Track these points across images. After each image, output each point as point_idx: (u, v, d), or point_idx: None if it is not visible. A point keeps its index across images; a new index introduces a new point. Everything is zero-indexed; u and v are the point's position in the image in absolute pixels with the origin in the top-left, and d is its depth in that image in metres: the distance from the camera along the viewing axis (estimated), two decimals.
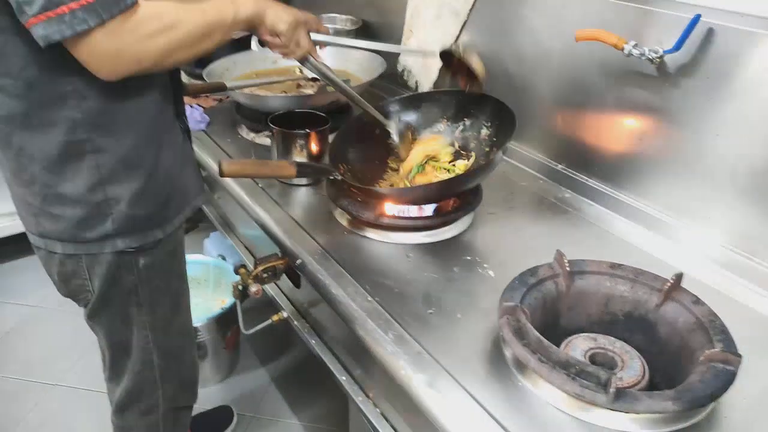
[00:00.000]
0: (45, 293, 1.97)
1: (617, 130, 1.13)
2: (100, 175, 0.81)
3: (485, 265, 0.98)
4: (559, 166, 1.24)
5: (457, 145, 1.18)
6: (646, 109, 1.06)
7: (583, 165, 1.20)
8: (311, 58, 0.98)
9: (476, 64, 1.06)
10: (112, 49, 0.70)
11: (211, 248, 1.75)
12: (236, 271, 1.04)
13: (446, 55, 1.11)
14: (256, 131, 1.39)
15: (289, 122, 1.20)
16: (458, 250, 1.02)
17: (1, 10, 0.70)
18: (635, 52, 0.97)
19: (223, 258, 1.66)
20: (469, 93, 1.18)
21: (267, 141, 1.33)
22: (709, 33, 0.93)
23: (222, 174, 0.92)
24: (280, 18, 0.89)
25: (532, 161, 1.28)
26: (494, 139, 1.14)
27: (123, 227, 0.84)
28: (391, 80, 1.55)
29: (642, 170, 1.10)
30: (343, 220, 1.08)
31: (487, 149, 1.14)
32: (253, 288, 0.99)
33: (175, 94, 0.92)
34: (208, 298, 1.64)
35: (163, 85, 0.87)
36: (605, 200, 1.14)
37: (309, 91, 1.43)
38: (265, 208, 1.13)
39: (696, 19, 0.91)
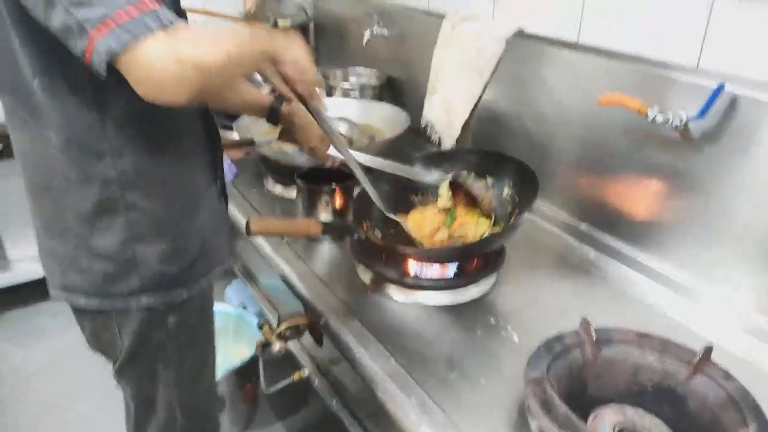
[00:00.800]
0: (68, 337, 1.99)
1: (640, 192, 1.13)
2: (132, 233, 0.83)
3: (508, 328, 0.97)
4: (582, 225, 1.24)
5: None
6: (670, 172, 1.06)
7: (607, 225, 1.19)
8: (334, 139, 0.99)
9: (479, 191, 1.12)
10: (171, 56, 0.64)
11: (232, 296, 1.77)
12: (260, 328, 1.04)
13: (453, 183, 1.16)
14: (283, 184, 1.42)
15: (315, 177, 1.23)
16: (481, 311, 1.01)
17: (44, 70, 0.73)
18: (659, 118, 0.98)
19: (244, 307, 1.67)
20: (491, 152, 1.20)
21: (293, 194, 1.36)
22: (733, 101, 0.94)
23: (249, 233, 0.94)
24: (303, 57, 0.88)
25: (554, 219, 1.28)
26: (516, 199, 1.14)
27: (149, 284, 0.86)
28: (415, 134, 1.58)
29: (666, 232, 1.09)
30: (366, 277, 1.09)
31: (510, 209, 1.15)
32: (276, 346, 1.00)
33: (215, 155, 0.94)
34: (228, 348, 1.64)
35: (203, 146, 0.90)
36: (629, 261, 1.13)
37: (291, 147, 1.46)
38: (289, 262, 1.15)
39: (720, 89, 0.92)
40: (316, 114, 0.93)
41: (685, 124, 0.97)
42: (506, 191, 1.17)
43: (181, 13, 0.86)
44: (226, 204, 1.00)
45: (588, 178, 1.23)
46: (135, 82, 0.66)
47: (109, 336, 0.90)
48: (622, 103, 1.01)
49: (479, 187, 1.17)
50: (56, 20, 0.64)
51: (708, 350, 0.81)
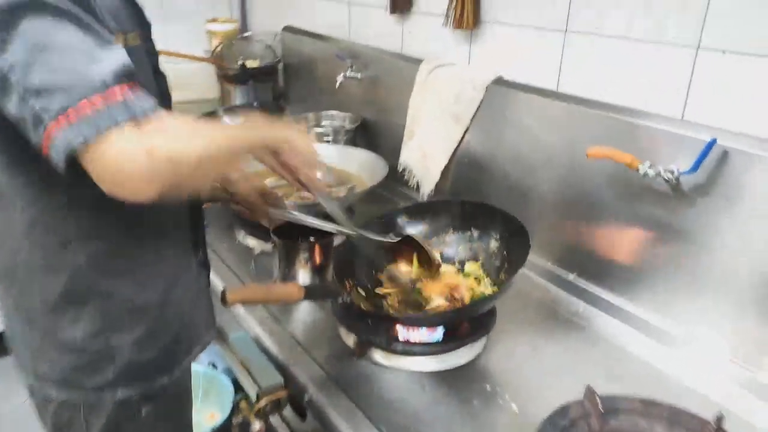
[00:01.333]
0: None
1: (630, 243, 1.10)
2: (104, 323, 0.74)
3: (506, 396, 0.91)
4: (571, 275, 1.20)
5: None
6: (660, 225, 1.04)
7: (597, 276, 1.16)
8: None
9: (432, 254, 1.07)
10: (141, 149, 0.57)
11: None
12: (237, 405, 0.96)
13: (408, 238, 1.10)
14: (256, 237, 1.34)
15: (291, 231, 1.16)
16: (475, 377, 0.95)
17: (3, 149, 0.66)
18: (650, 172, 0.96)
19: (214, 366, 1.56)
20: (476, 203, 1.16)
21: (267, 247, 1.28)
22: (723, 155, 0.92)
23: (225, 303, 0.87)
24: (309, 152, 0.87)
25: (540, 268, 1.24)
26: (505, 253, 1.10)
27: (125, 375, 0.77)
28: (391, 178, 1.53)
29: (657, 284, 1.06)
30: (349, 339, 1.02)
31: (498, 263, 1.10)
32: (257, 426, 0.91)
33: (194, 222, 0.87)
34: (197, 411, 1.52)
35: (184, 215, 0.83)
36: (620, 314, 1.10)
37: (311, 197, 1.39)
38: (264, 323, 1.07)
39: (712, 143, 0.90)
40: (318, 197, 0.95)
41: (677, 178, 0.94)
42: (493, 244, 1.13)
43: (157, 66, 0.80)
44: (208, 273, 0.92)
45: (573, 226, 1.20)
46: (98, 178, 0.58)
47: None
48: (612, 157, 0.98)
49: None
50: (11, 108, 0.57)
51: (719, 419, 0.77)
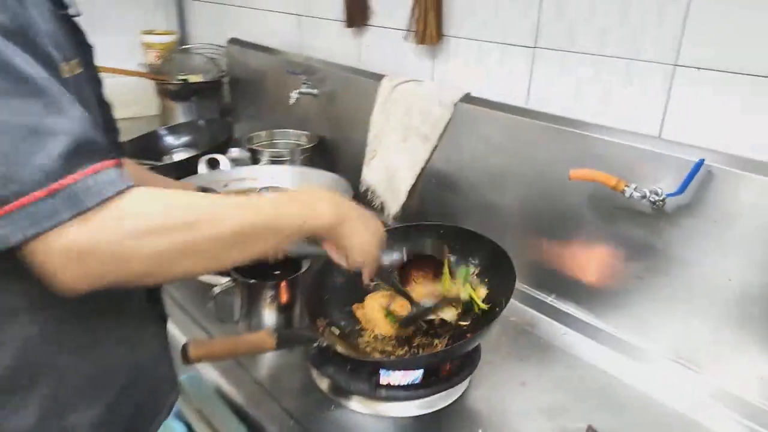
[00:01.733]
0: None
1: (608, 264, 1.07)
2: (56, 404, 0.62)
3: None
4: (549, 298, 1.16)
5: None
6: (641, 245, 1.01)
7: (576, 297, 1.12)
8: None
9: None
10: (87, 247, 0.49)
11: None
12: None
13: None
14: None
15: (253, 267, 1.05)
16: (465, 421, 0.88)
17: None
18: (636, 194, 0.93)
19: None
20: (453, 228, 1.10)
21: (227, 282, 1.17)
22: (708, 175, 0.90)
23: (188, 360, 0.76)
24: (363, 242, 0.75)
25: (518, 292, 1.18)
26: (485, 279, 1.04)
27: None
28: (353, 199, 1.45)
29: (637, 304, 1.04)
30: (323, 383, 0.93)
31: (481, 289, 1.03)
32: None
33: None
34: None
35: None
36: (603, 337, 1.06)
37: None
38: (224, 370, 0.96)
39: (700, 164, 0.87)
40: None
41: (663, 200, 0.91)
42: (471, 269, 1.07)
43: (101, 95, 0.68)
44: (165, 323, 0.80)
45: (549, 247, 1.16)
46: (38, 273, 0.50)
47: None
48: (595, 179, 0.94)
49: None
50: None
51: None
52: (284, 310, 1.04)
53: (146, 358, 0.70)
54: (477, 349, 0.96)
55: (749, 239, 0.88)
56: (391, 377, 0.89)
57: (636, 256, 1.02)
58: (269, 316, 1.04)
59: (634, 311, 1.04)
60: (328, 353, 0.89)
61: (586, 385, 0.97)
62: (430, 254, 0.98)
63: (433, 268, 1.00)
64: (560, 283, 1.14)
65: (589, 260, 1.11)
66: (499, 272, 1.00)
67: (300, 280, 1.05)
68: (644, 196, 0.92)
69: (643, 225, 1.00)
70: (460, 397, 0.93)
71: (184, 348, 0.75)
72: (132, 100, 2.05)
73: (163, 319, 0.78)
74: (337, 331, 0.99)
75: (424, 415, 0.89)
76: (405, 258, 0.96)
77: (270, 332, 0.84)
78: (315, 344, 0.88)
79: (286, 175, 1.44)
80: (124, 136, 0.82)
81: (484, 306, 0.98)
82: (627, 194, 0.93)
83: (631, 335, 1.04)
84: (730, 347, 0.93)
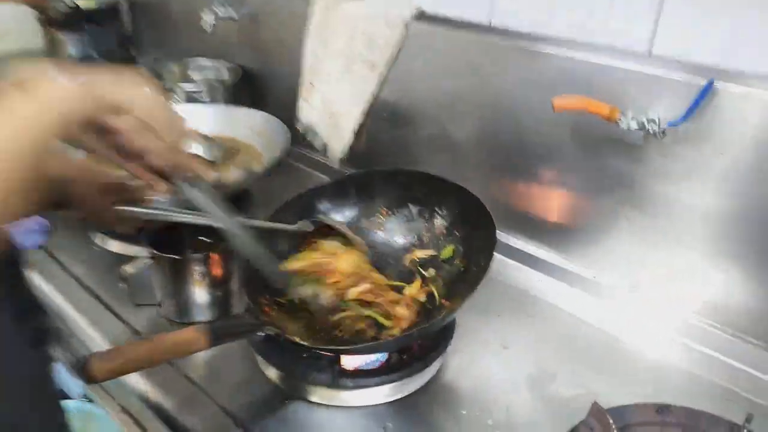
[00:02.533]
0: None
1: (589, 204, 0.94)
2: None
3: (489, 422, 0.73)
4: (519, 242, 1.03)
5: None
6: (628, 182, 0.88)
7: (550, 241, 1.00)
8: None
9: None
10: None
11: (68, 383, 1.30)
12: None
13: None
14: (122, 240, 1.01)
15: (172, 238, 0.86)
16: (446, 402, 0.76)
17: None
18: (633, 125, 0.78)
19: (89, 400, 1.23)
20: (412, 173, 0.93)
21: (141, 251, 0.96)
22: (711, 96, 0.77)
23: (91, 379, 0.57)
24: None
25: None
26: (456, 232, 0.89)
27: None
28: (295, 141, 1.24)
29: (625, 249, 0.92)
30: (273, 373, 0.77)
31: (449, 247, 0.89)
32: None
33: (13, 285, 0.55)
34: None
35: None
36: (585, 285, 0.95)
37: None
38: (148, 370, 0.78)
39: (708, 86, 0.74)
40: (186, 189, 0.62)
41: (663, 131, 0.78)
42: (439, 223, 0.91)
43: None
44: (46, 346, 0.59)
45: (518, 185, 1.02)
46: None
47: None
48: (586, 108, 0.79)
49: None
50: None
51: (749, 418, 0.65)
52: (218, 286, 0.86)
53: (18, 395, 0.50)
54: (452, 323, 0.82)
55: (752, 169, 0.77)
56: (355, 360, 0.75)
57: (619, 193, 0.90)
58: (200, 294, 0.85)
59: (616, 254, 0.93)
60: (276, 339, 0.72)
61: (571, 340, 0.86)
62: None
63: None
64: (533, 226, 1.01)
65: (564, 199, 0.98)
66: (472, 225, 0.85)
67: (233, 252, 0.86)
68: (642, 127, 0.78)
69: (630, 158, 0.87)
70: (437, 373, 0.80)
71: (85, 365, 0.57)
72: (10, 32, 1.69)
73: (41, 333, 0.58)
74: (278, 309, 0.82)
75: (396, 401, 0.75)
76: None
77: (200, 328, 0.66)
78: (261, 333, 0.72)
79: (204, 115, 1.21)
80: None
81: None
82: (623, 125, 0.79)
83: (613, 280, 0.93)
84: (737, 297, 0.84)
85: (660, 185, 0.86)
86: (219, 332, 0.67)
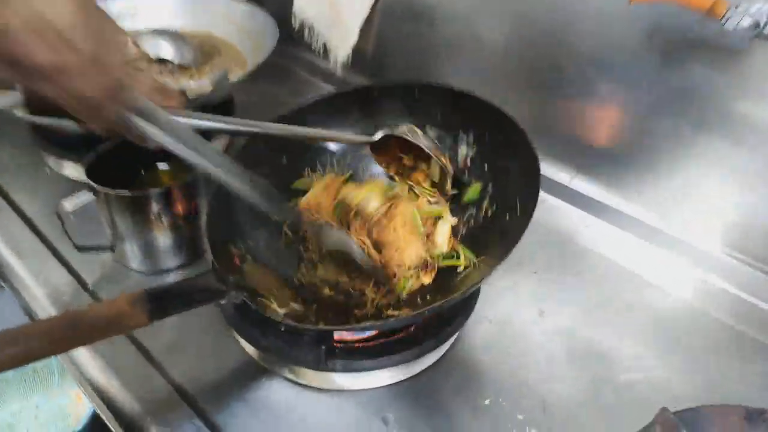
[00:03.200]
0: None
1: (657, 129, 0.73)
2: None
3: (519, 416, 0.57)
4: (568, 178, 0.83)
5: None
6: (715, 98, 0.66)
7: (603, 176, 0.79)
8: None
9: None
10: None
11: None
12: None
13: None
14: (75, 160, 0.82)
15: (122, 164, 0.67)
16: (463, 386, 0.59)
17: None
18: (745, 21, 0.55)
19: None
20: (433, 87, 0.71)
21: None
22: None
23: None
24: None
25: None
26: (485, 166, 0.69)
27: None
28: (287, 38, 1.01)
29: (707, 189, 0.72)
30: (250, 347, 0.61)
31: (475, 185, 0.69)
32: None
33: None
34: (53, 394, 1.11)
35: None
36: (646, 232, 0.76)
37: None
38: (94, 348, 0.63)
39: None
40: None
41: None
42: (464, 150, 0.71)
43: None
44: None
45: (567, 105, 0.80)
46: None
47: None
48: (680, 1, 0.56)
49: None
50: None
51: None
52: (185, 225, 0.69)
53: None
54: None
55: None
56: (347, 334, 0.58)
57: (700, 115, 0.68)
58: (161, 236, 0.68)
59: (689, 194, 0.73)
60: (248, 307, 0.55)
61: (629, 307, 0.68)
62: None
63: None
64: (581, 155, 0.80)
65: (624, 122, 0.76)
66: (507, 156, 0.65)
67: (201, 183, 0.68)
68: (756, 26, 0.55)
69: (724, 69, 0.64)
70: (452, 346, 0.63)
71: None
72: None
73: None
74: (256, 263, 0.64)
75: (399, 383, 0.60)
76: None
77: (135, 298, 0.48)
78: (223, 301, 0.55)
79: (173, 5, 0.98)
80: None
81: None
82: (729, 22, 0.55)
83: (686, 228, 0.74)
84: None
85: (761, 107, 0.64)
86: (162, 303, 0.50)
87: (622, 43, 0.71)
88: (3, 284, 0.73)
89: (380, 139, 0.67)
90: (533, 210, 0.56)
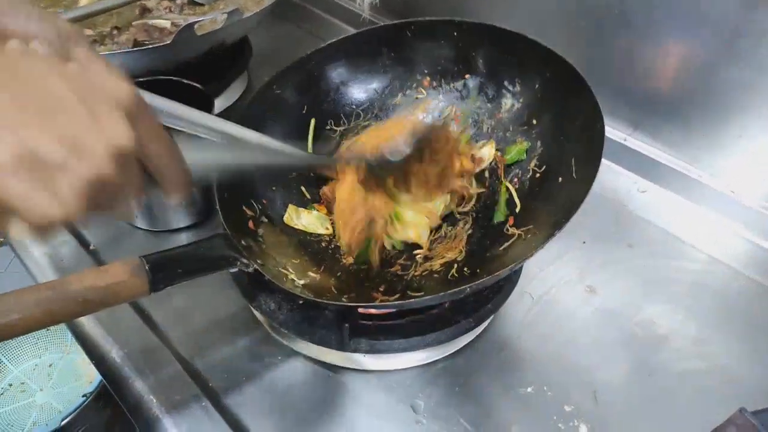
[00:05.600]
0: None
1: (735, 78, 0.62)
2: None
3: (566, 408, 0.50)
4: (624, 136, 0.73)
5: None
6: None
7: (664, 134, 0.70)
8: None
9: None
10: None
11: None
12: None
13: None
14: None
15: None
16: (502, 371, 0.53)
17: None
18: None
19: None
20: (469, 25, 0.62)
21: None
22: None
23: None
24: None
25: None
26: (533, 121, 0.60)
27: None
28: None
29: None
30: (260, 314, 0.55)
31: (521, 143, 0.60)
32: None
33: None
34: (66, 352, 1.08)
35: None
36: (718, 201, 0.66)
37: (164, 24, 0.78)
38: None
39: None
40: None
41: None
42: (508, 101, 0.62)
43: None
44: None
45: (624, 51, 0.69)
46: None
47: None
48: None
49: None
50: None
51: None
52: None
53: None
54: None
55: None
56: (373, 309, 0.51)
57: None
58: (176, 218, 0.62)
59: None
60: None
61: (693, 286, 0.60)
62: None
63: None
64: (639, 110, 0.71)
65: (693, 72, 0.66)
66: (561, 109, 0.56)
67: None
68: None
69: None
70: (490, 325, 0.56)
71: None
72: None
73: None
74: (276, 229, 0.57)
75: (430, 364, 0.53)
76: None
77: (134, 266, 0.42)
78: (234, 269, 0.48)
79: None
80: None
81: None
82: None
83: (757, 199, 0.64)
84: None
85: None
86: (164, 272, 0.43)
87: None
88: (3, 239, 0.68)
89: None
90: (595, 174, 0.47)
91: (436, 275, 0.55)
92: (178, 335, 0.55)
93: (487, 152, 0.61)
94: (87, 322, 0.56)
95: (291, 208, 0.59)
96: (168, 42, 0.65)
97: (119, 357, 0.53)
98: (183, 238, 0.65)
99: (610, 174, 0.71)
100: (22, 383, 1.02)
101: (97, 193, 0.26)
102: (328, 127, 0.65)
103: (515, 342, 0.55)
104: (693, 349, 0.55)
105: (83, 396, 0.92)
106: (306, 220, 0.59)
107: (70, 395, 1.01)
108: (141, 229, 0.65)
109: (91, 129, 0.26)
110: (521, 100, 0.61)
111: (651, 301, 0.59)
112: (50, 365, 1.04)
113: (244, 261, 0.48)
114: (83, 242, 0.63)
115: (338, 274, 0.55)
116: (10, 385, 1.02)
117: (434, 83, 0.65)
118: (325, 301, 0.49)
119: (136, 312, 0.56)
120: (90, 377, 1.02)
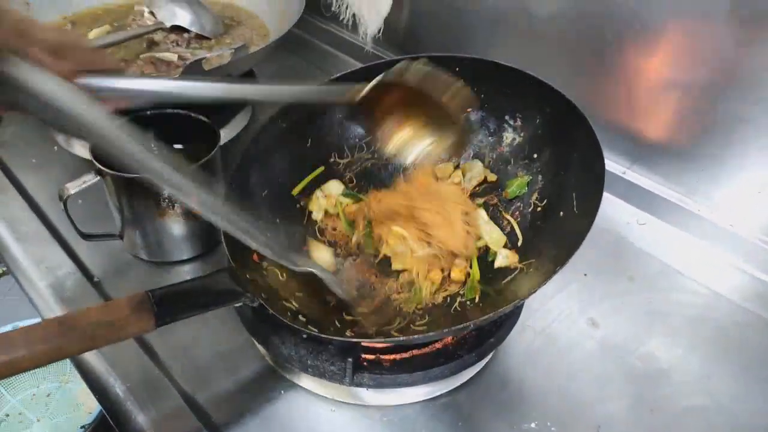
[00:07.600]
0: None
1: (731, 108, 0.64)
2: None
3: None
4: (622, 170, 0.74)
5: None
6: None
7: (662, 168, 0.71)
8: None
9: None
10: None
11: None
12: None
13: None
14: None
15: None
16: (505, 406, 0.53)
17: None
18: None
19: None
20: (471, 61, 0.63)
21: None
22: None
23: None
24: None
25: None
26: (534, 155, 0.61)
27: None
28: (313, 8, 0.94)
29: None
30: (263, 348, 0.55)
31: (522, 177, 0.61)
32: None
33: None
34: (65, 382, 1.07)
35: None
36: (717, 236, 0.67)
37: (171, 58, 0.79)
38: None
39: None
40: None
41: None
42: (509, 135, 0.63)
43: None
44: None
45: (615, 81, 0.71)
46: None
47: None
48: None
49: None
50: None
51: None
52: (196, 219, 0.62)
53: None
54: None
55: None
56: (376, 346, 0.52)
57: None
58: (174, 224, 0.62)
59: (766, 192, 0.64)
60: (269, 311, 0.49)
61: (695, 320, 0.60)
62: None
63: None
64: (639, 147, 0.72)
65: (689, 107, 0.67)
66: (562, 144, 0.57)
67: (218, 166, 0.61)
68: None
69: None
70: (492, 360, 0.56)
71: None
72: None
73: None
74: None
75: (432, 399, 0.53)
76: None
77: (139, 301, 0.42)
78: (238, 304, 0.48)
79: None
80: None
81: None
82: None
83: (755, 232, 0.65)
84: None
85: None
86: (168, 307, 0.44)
87: (693, 7, 0.62)
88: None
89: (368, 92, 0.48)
90: (597, 209, 0.48)
91: (437, 309, 0.55)
92: (180, 368, 0.54)
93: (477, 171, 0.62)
94: (89, 355, 0.56)
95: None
96: (176, 77, 0.66)
97: (122, 391, 0.52)
98: (186, 270, 0.65)
99: (609, 206, 0.72)
100: (20, 413, 1.01)
101: None
102: (331, 160, 0.66)
103: (518, 376, 0.55)
104: (694, 383, 0.55)
105: (81, 427, 0.92)
106: (317, 254, 0.59)
107: (67, 426, 1.00)
108: (144, 260, 0.65)
109: None
110: (522, 135, 0.62)
111: (652, 334, 0.59)
112: (48, 395, 1.03)
113: (249, 296, 0.48)
114: (87, 274, 0.63)
115: (342, 308, 0.55)
116: (7, 415, 1.01)
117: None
118: (329, 336, 0.49)
119: (139, 345, 0.56)
120: (89, 408, 1.01)
